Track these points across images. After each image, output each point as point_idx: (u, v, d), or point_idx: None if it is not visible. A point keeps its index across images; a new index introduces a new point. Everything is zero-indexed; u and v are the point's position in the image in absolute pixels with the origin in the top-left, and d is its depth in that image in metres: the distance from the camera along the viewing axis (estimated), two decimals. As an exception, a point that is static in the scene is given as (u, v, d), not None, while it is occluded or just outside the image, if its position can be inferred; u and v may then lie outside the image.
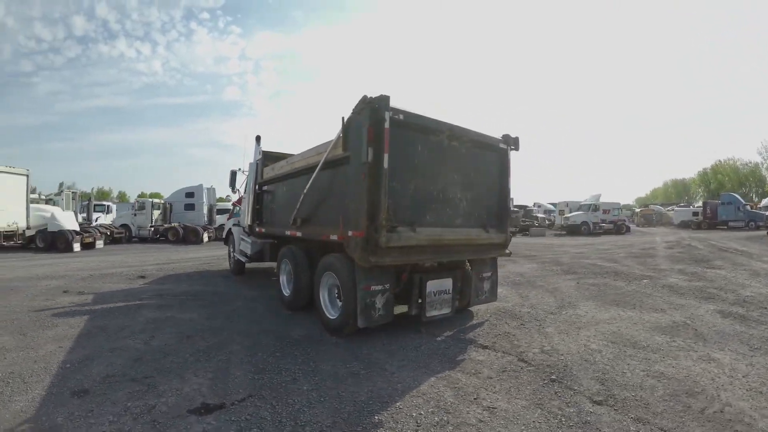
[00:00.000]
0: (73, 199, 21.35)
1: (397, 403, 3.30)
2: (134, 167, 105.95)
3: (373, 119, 4.58)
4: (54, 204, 20.11)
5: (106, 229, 20.66)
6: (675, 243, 19.34)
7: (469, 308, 6.54)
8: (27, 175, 16.13)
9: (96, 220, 23.37)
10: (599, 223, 30.25)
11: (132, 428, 3.04)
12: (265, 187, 8.74)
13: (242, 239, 10.14)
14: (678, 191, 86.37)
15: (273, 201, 8.35)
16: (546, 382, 3.74)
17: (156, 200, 25.16)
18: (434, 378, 3.80)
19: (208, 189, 25.19)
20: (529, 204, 43.13)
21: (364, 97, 4.66)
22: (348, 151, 5.00)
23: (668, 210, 47.70)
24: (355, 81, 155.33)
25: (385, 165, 4.54)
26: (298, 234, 6.43)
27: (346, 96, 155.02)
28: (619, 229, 30.30)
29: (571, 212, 32.77)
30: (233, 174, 11.08)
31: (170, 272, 10.82)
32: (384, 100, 4.58)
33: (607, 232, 29.75)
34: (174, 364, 4.33)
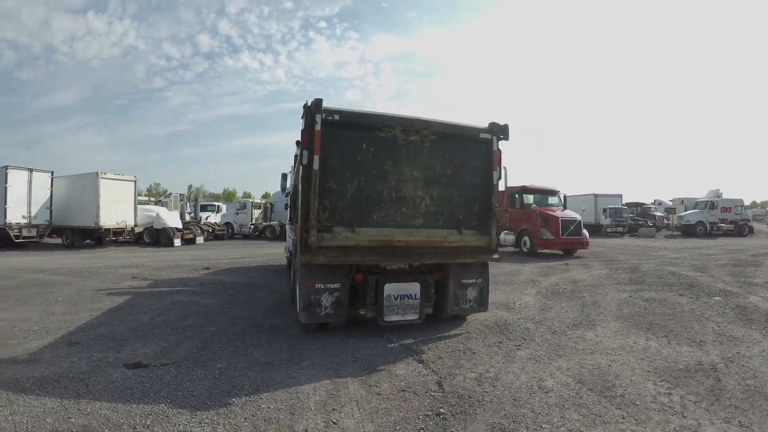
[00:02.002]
0: (181, 201, 25.41)
1: (262, 394, 3.67)
2: (261, 169, 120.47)
3: (306, 123, 4.96)
4: (163, 205, 24.13)
5: (209, 226, 24.16)
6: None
7: (465, 317, 6.37)
8: (134, 181, 20.09)
9: (206, 219, 27.14)
10: (717, 223, 28.11)
11: (80, 367, 4.31)
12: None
13: (289, 235, 11.21)
14: None
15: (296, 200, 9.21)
16: (429, 414, 3.38)
17: (257, 200, 28.44)
18: (327, 381, 3.97)
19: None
20: (648, 201, 40.13)
21: (305, 104, 5.06)
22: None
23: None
24: (473, 78, 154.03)
25: (315, 167, 4.86)
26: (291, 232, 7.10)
27: (464, 92, 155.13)
28: (740, 230, 27.93)
29: (686, 210, 31.17)
30: (284, 176, 12.25)
31: (236, 265, 12.64)
32: (316, 103, 4.93)
33: (726, 234, 27.67)
34: (153, 335, 5.53)
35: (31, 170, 18.07)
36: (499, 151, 5.87)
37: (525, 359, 4.67)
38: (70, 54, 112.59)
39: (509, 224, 17.69)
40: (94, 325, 6.03)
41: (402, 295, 5.36)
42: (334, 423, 3.15)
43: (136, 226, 20.23)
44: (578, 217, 16.31)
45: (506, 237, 17.25)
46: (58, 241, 20.06)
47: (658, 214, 35.96)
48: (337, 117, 5.04)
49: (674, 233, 29.53)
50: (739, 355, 4.84)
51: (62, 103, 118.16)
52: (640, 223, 31.95)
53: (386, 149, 5.28)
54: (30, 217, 17.89)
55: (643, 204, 38.77)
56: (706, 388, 3.93)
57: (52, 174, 18.99)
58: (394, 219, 5.32)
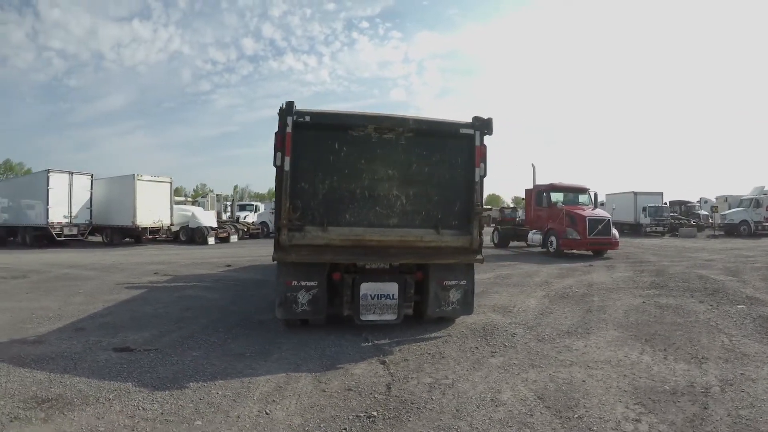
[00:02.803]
0: (217, 200, 26.68)
1: (217, 381, 4.03)
2: None
3: (279, 126, 5.28)
4: (199, 205, 25.47)
5: (244, 225, 25.34)
6: None
7: (453, 319, 6.32)
8: (170, 182, 21.65)
9: (244, 218, 28.37)
10: (762, 222, 26.99)
11: (75, 348, 4.98)
12: None
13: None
14: None
15: None
16: (360, 416, 3.42)
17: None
18: (283, 375, 4.22)
19: None
20: (694, 199, 38.35)
21: (280, 107, 5.35)
22: None
23: None
24: (514, 74, 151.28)
25: (287, 168, 5.18)
26: None
27: (506, 89, 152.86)
28: (788, 230, 26.16)
29: (729, 209, 29.75)
30: None
31: (258, 263, 13.53)
32: (287, 105, 5.24)
33: (775, 233, 26.06)
34: (149, 324, 6.17)
35: (71, 173, 20.02)
36: (484, 147, 5.78)
37: (494, 367, 4.56)
38: (118, 60, 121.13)
39: (537, 223, 17.63)
40: (103, 314, 6.76)
41: (379, 295, 5.50)
42: (266, 413, 3.41)
43: (172, 225, 21.78)
44: (607, 216, 15.79)
45: (534, 237, 17.09)
46: (100, 239, 21.99)
47: (703, 212, 34.59)
48: (308, 118, 5.33)
49: (716, 233, 28.39)
50: (741, 377, 4.24)
51: (111, 107, 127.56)
52: (681, 222, 30.93)
53: (359, 148, 5.46)
54: (71, 216, 19.81)
55: (688, 202, 37.08)
56: (687, 416, 3.41)
57: (92, 177, 20.94)
58: (367, 218, 5.47)
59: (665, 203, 32.43)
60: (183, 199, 27.50)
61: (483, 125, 5.74)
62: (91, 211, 20.62)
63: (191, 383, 3.98)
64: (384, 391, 3.92)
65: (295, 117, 5.24)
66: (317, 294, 5.48)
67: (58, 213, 19.33)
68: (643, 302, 7.68)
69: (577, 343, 5.42)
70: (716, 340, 5.50)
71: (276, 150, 5.29)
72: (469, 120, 5.80)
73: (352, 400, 3.72)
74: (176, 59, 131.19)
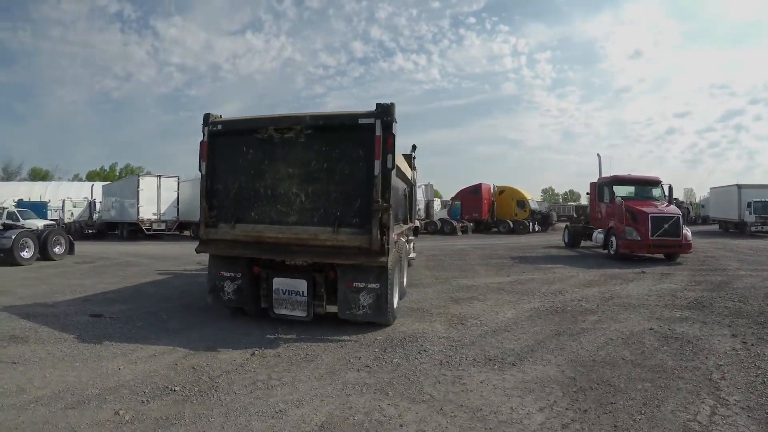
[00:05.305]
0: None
1: (121, 344, 5.85)
2: (420, 166, 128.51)
3: (203, 135, 6.62)
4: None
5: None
6: None
7: (388, 324, 6.36)
8: None
9: None
10: None
11: (67, 312, 7.29)
12: None
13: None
14: None
15: None
16: (163, 386, 4.25)
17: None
18: (168, 347, 5.48)
19: (425, 186, 32.51)
20: None
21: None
22: None
23: None
24: (635, 57, 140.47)
25: (203, 171, 6.59)
26: None
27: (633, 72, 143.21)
28: None
29: None
30: None
31: None
32: (204, 118, 6.53)
33: None
34: (137, 300, 8.44)
35: (159, 176, 25.28)
36: (390, 137, 5.76)
37: (335, 381, 4.50)
38: (234, 71, 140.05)
39: (600, 221, 16.77)
40: (115, 291, 9.36)
41: (290, 291, 6.15)
42: (119, 369, 4.75)
43: None
44: (676, 213, 14.17)
45: (597, 236, 16.36)
46: (188, 234, 26.92)
47: None
48: (220, 126, 6.43)
49: None
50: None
51: (229, 114, 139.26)
52: None
53: (263, 150, 6.21)
54: (159, 214, 24.87)
55: None
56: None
57: (179, 179, 26.00)
58: (269, 216, 6.19)
59: None
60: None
61: (382, 113, 5.73)
62: (177, 209, 25.45)
63: (105, 341, 5.82)
64: (217, 375, 4.61)
65: (210, 127, 6.43)
66: (241, 285, 6.46)
67: (147, 211, 24.47)
68: (651, 328, 6.44)
69: (480, 376, 4.72)
70: (689, 409, 3.86)
71: (199, 158, 6.56)
72: (373, 110, 5.82)
73: (185, 374, 4.69)
74: (289, 66, 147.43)
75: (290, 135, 6.00)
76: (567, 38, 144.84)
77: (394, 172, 6.05)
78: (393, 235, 6.26)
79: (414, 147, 12.30)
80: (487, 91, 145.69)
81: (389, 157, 5.76)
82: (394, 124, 5.82)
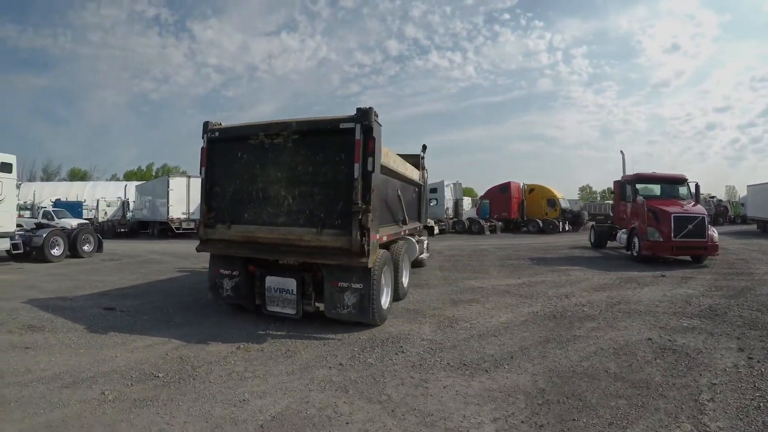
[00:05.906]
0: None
1: (125, 334, 6.49)
2: (456, 164, 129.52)
3: (203, 142, 7.25)
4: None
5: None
6: None
7: (375, 324, 6.57)
8: None
9: None
10: None
11: (83, 305, 8.08)
12: None
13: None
14: None
15: None
16: (149, 372, 4.72)
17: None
18: (165, 339, 6.07)
19: (453, 184, 32.90)
20: None
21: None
22: None
23: None
24: (672, 51, 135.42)
25: (202, 176, 7.22)
26: None
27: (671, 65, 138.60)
28: None
29: None
30: None
31: None
32: (203, 126, 7.14)
33: None
34: (148, 296, 9.18)
35: (189, 177, 26.37)
36: (370, 140, 6.03)
37: (293, 377, 4.73)
38: (270, 71, 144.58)
39: (624, 221, 16.47)
40: (131, 287, 10.15)
41: (280, 289, 6.60)
42: (116, 357, 5.38)
43: None
44: (702, 212, 13.61)
45: (621, 236, 16.10)
46: None
47: None
48: (217, 134, 7.01)
49: None
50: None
51: (265, 112, 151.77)
52: None
53: (255, 155, 6.69)
54: (188, 213, 26.04)
55: None
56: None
57: None
58: (261, 217, 6.65)
59: None
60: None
61: (362, 117, 6.01)
62: (206, 208, 26.14)
63: (111, 332, 6.49)
64: (199, 365, 5.03)
65: (209, 134, 7.04)
66: (239, 282, 6.98)
67: (177, 210, 25.81)
68: (650, 338, 6.16)
69: (447, 381, 4.73)
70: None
71: (200, 164, 7.23)
72: (353, 114, 6.12)
73: (172, 363, 5.15)
74: (324, 65, 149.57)
75: (279, 140, 6.46)
76: (603, 32, 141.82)
77: (377, 174, 6.26)
78: (377, 237, 6.48)
79: (424, 147, 12.51)
80: (523, 88, 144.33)
81: (370, 159, 6.03)
82: (377, 127, 6.16)
